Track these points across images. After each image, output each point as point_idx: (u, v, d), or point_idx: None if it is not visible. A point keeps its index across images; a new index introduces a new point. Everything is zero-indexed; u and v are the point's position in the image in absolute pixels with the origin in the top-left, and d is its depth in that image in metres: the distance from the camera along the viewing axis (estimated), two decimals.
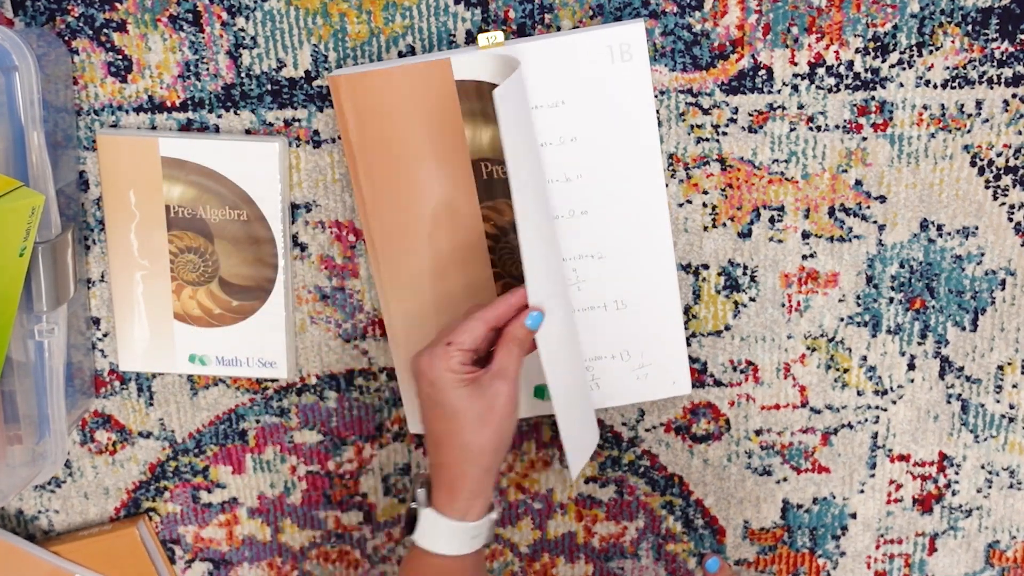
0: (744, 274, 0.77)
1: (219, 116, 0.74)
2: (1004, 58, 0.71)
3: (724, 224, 0.76)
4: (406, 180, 0.73)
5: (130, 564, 0.85)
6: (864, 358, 0.79)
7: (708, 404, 0.81)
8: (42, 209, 0.67)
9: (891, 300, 0.77)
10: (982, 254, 0.76)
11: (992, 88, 0.72)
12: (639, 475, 0.83)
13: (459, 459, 0.67)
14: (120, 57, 0.73)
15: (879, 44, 0.71)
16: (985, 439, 0.81)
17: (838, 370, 0.79)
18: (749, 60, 0.72)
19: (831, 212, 0.75)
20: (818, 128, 0.73)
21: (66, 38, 0.73)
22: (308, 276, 0.78)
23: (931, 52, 0.71)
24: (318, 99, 0.74)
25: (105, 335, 0.80)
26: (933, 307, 0.78)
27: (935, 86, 0.72)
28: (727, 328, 0.78)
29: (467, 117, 0.71)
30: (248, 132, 0.75)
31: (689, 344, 0.79)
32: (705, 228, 0.76)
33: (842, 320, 0.78)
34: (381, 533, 0.87)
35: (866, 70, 0.72)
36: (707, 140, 0.74)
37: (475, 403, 0.66)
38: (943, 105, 0.72)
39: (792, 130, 0.73)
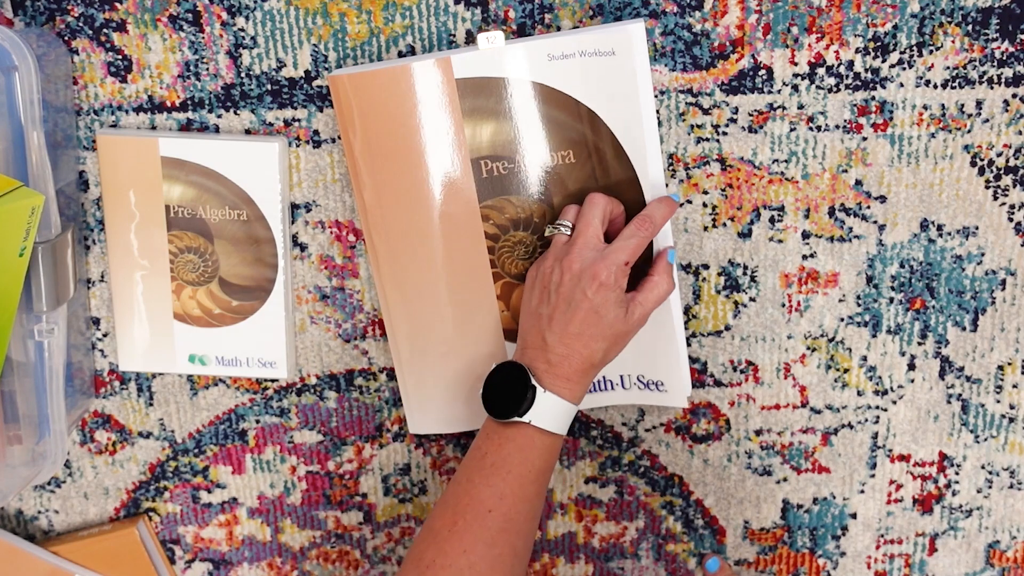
0: (744, 274, 0.77)
1: (219, 116, 0.74)
2: (1004, 58, 0.71)
3: (724, 224, 0.76)
4: (406, 180, 0.72)
5: (130, 564, 0.85)
6: (864, 358, 0.79)
7: (708, 404, 0.81)
8: (42, 209, 0.67)
9: (891, 300, 0.77)
10: (982, 254, 0.76)
11: (992, 88, 0.72)
12: (639, 475, 0.83)
13: (591, 354, 0.68)
14: (120, 57, 0.73)
15: (879, 44, 0.71)
16: (985, 439, 0.81)
17: (838, 370, 0.79)
18: (749, 60, 0.72)
19: (831, 212, 0.75)
20: (818, 128, 0.73)
21: (66, 38, 0.73)
22: (308, 276, 0.78)
23: (931, 52, 0.71)
24: (318, 99, 0.74)
25: (105, 335, 0.80)
26: (933, 307, 0.78)
27: (935, 86, 0.72)
28: (727, 328, 0.78)
29: (467, 116, 0.71)
30: (248, 132, 0.75)
31: (689, 344, 0.79)
32: (705, 228, 0.76)
33: (842, 320, 0.78)
34: (381, 533, 0.86)
35: (866, 70, 0.72)
36: (707, 140, 0.74)
37: (624, 324, 0.69)
38: (943, 105, 0.72)
39: (792, 130, 0.73)
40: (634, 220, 0.70)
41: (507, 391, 0.68)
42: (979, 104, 0.72)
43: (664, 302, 0.73)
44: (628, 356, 0.76)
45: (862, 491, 0.83)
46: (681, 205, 0.75)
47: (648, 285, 0.71)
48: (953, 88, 0.72)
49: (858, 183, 0.74)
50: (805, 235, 0.76)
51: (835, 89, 0.72)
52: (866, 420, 0.81)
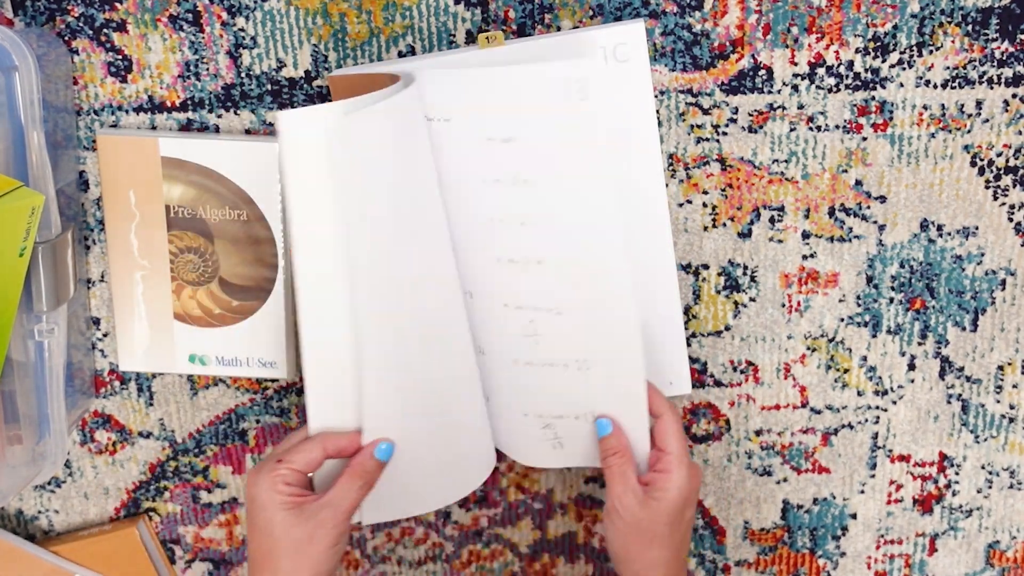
0: (744, 274, 0.77)
1: (219, 116, 0.74)
2: (1004, 58, 0.71)
3: (724, 224, 0.76)
4: None
5: (130, 564, 0.85)
6: (864, 358, 0.79)
7: (708, 404, 0.81)
8: (42, 209, 0.67)
9: (891, 300, 0.77)
10: (982, 254, 0.76)
11: (992, 88, 0.72)
12: None
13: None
14: (120, 57, 0.73)
15: (879, 44, 0.71)
16: (985, 439, 0.81)
17: (838, 370, 0.79)
18: (749, 60, 0.72)
19: (831, 212, 0.75)
20: (818, 128, 0.73)
21: (66, 38, 0.73)
22: None
23: (931, 52, 0.71)
24: (318, 99, 0.74)
25: (105, 335, 0.80)
26: (933, 307, 0.78)
27: (935, 86, 0.72)
28: (727, 328, 0.79)
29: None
30: (248, 132, 0.75)
31: (689, 344, 0.79)
32: (705, 228, 0.76)
33: (842, 320, 0.78)
34: (381, 533, 0.86)
35: (866, 70, 0.72)
36: (707, 140, 0.74)
37: (294, 530, 0.62)
38: (943, 105, 0.72)
39: (792, 130, 0.73)
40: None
41: None
42: (979, 104, 0.72)
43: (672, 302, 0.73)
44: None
45: (862, 491, 0.83)
46: (681, 205, 0.75)
47: (335, 484, 0.65)
48: (953, 88, 0.72)
49: (858, 183, 0.74)
50: (805, 235, 0.76)
51: (835, 89, 0.72)
52: (866, 420, 0.81)
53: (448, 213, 0.69)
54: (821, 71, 0.72)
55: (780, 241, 0.76)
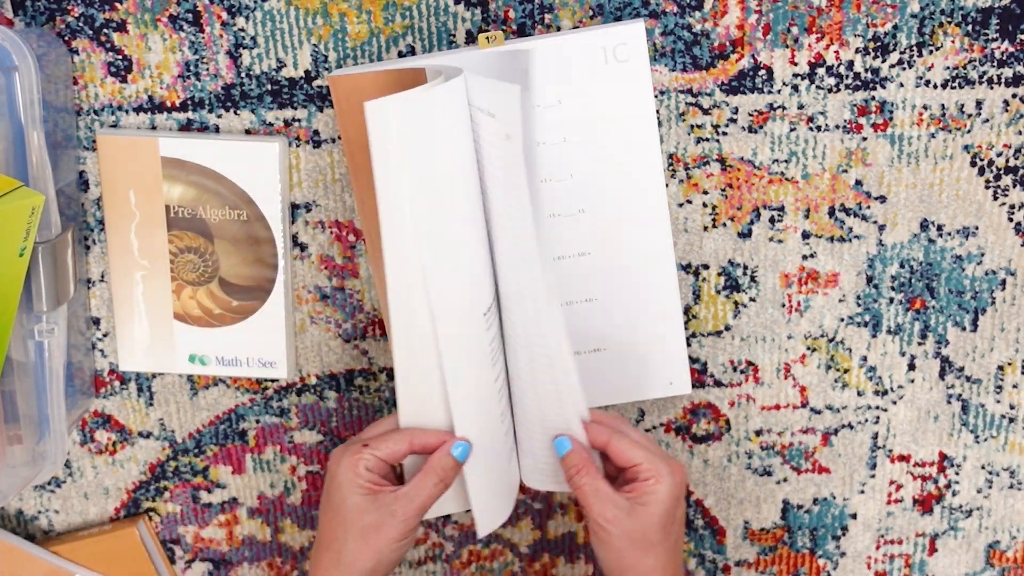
0: (744, 274, 0.77)
1: (219, 116, 0.74)
2: (1004, 58, 0.71)
3: (724, 224, 0.76)
4: None
5: (130, 564, 0.85)
6: (864, 358, 0.79)
7: (708, 404, 0.81)
8: (42, 209, 0.67)
9: (891, 300, 0.77)
10: (982, 254, 0.76)
11: (992, 88, 0.72)
12: None
13: (330, 570, 0.63)
14: (120, 57, 0.73)
15: (879, 44, 0.71)
16: (985, 439, 0.81)
17: (838, 370, 0.79)
18: (749, 60, 0.72)
19: (831, 212, 0.75)
20: (818, 128, 0.73)
21: (66, 38, 0.73)
22: (308, 276, 0.78)
23: (931, 52, 0.71)
24: (318, 99, 0.74)
25: (105, 335, 0.80)
26: (933, 307, 0.78)
27: (935, 86, 0.72)
28: (727, 328, 0.78)
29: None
30: (248, 132, 0.75)
31: (689, 344, 0.79)
32: (705, 228, 0.76)
33: (842, 320, 0.78)
34: None
35: (866, 70, 0.72)
36: (707, 140, 0.74)
37: (365, 516, 0.63)
38: (943, 105, 0.72)
39: (792, 130, 0.73)
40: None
41: None
42: (979, 104, 0.72)
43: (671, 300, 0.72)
44: (629, 348, 0.76)
45: (862, 491, 0.83)
46: (681, 205, 0.75)
47: (413, 479, 0.65)
48: (953, 88, 0.72)
49: (858, 183, 0.74)
50: (805, 235, 0.76)
51: (835, 89, 0.72)
52: (866, 420, 0.81)
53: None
54: (821, 71, 0.72)
55: (780, 241, 0.76)
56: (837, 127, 0.73)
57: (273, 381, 0.81)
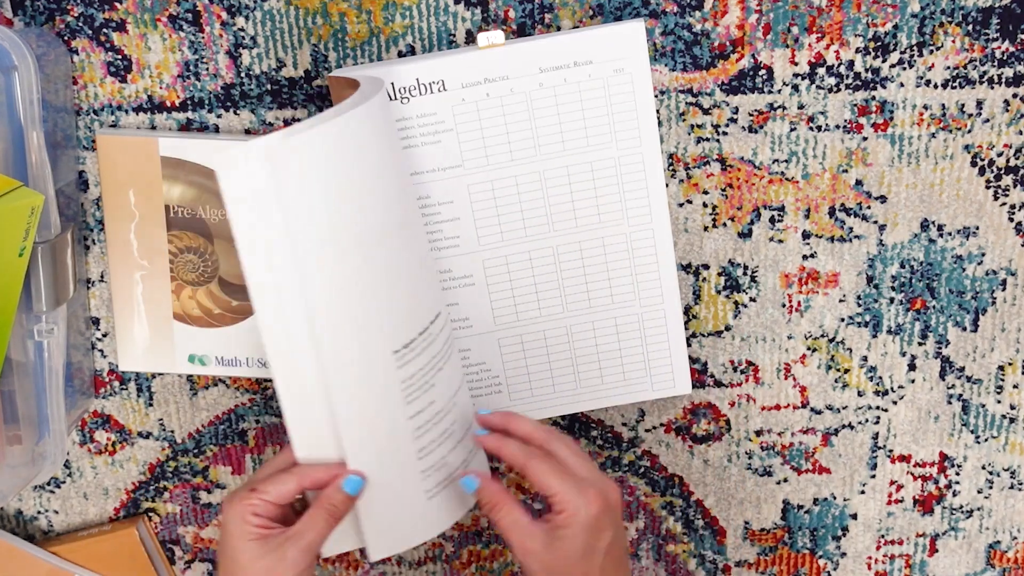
0: (744, 274, 0.77)
1: (219, 116, 0.74)
2: (1005, 58, 0.71)
3: (724, 224, 0.76)
4: None
5: (129, 564, 0.85)
6: (865, 358, 0.79)
7: (708, 404, 0.81)
8: (42, 209, 0.67)
9: (891, 300, 0.77)
10: (983, 254, 0.76)
11: (993, 88, 0.72)
12: (639, 475, 0.83)
13: None
14: (120, 57, 0.73)
15: (879, 44, 0.71)
16: (986, 439, 0.81)
17: (838, 370, 0.79)
18: (749, 60, 0.72)
19: (831, 212, 0.75)
20: (818, 128, 0.73)
21: (66, 38, 0.73)
22: None
23: (931, 52, 0.71)
24: (318, 99, 0.74)
25: (105, 335, 0.80)
26: (934, 307, 0.77)
27: (935, 86, 0.72)
28: (727, 328, 0.78)
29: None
30: (248, 132, 0.75)
31: (689, 344, 0.79)
32: (705, 228, 0.76)
33: (842, 320, 0.78)
34: None
35: (866, 70, 0.72)
36: (707, 140, 0.74)
37: (258, 563, 0.61)
38: (943, 105, 0.72)
39: (792, 130, 0.73)
40: None
41: None
42: (979, 104, 0.72)
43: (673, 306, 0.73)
44: (629, 349, 0.76)
45: (862, 492, 0.83)
46: (681, 205, 0.75)
47: (302, 518, 0.63)
48: (953, 88, 0.72)
49: (858, 183, 0.74)
50: (805, 235, 0.76)
51: (835, 89, 0.72)
52: (866, 420, 0.81)
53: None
54: (821, 71, 0.72)
55: (780, 241, 0.76)
56: (837, 127, 0.73)
57: (272, 381, 0.81)
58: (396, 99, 0.70)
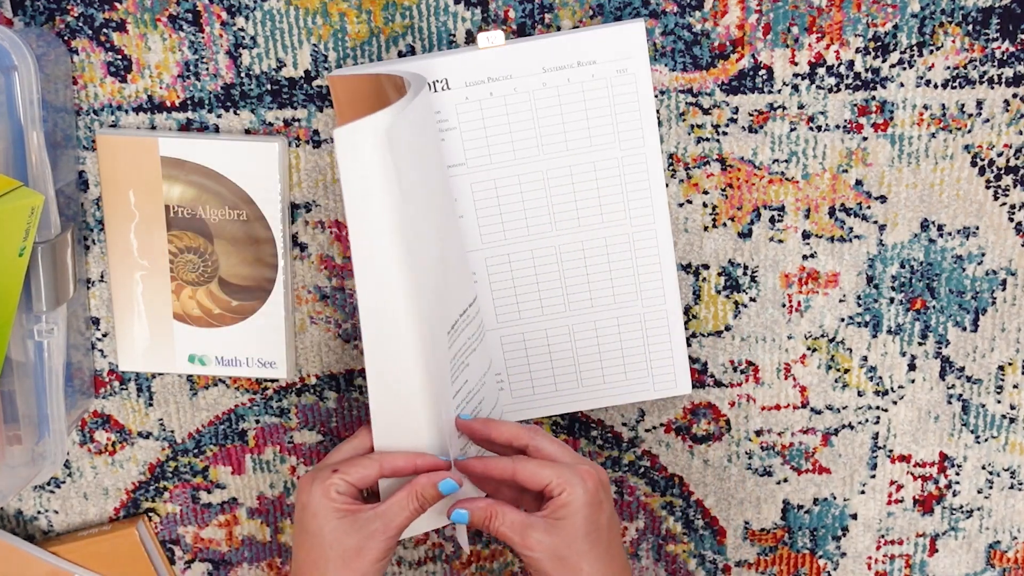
0: (744, 274, 0.77)
1: (219, 116, 0.74)
2: (1005, 58, 0.71)
3: (724, 224, 0.76)
4: None
5: (129, 564, 0.85)
6: (865, 358, 0.79)
7: (708, 404, 0.81)
8: (41, 209, 0.67)
9: (891, 300, 0.77)
10: (983, 254, 0.76)
11: (993, 88, 0.72)
12: (639, 475, 0.83)
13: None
14: (120, 57, 0.73)
15: (879, 44, 0.71)
16: (986, 439, 0.81)
17: (838, 370, 0.79)
18: (749, 60, 0.72)
19: (831, 212, 0.75)
20: (818, 128, 0.73)
21: (66, 38, 0.73)
22: (308, 276, 0.78)
23: (931, 52, 0.71)
24: (318, 99, 0.74)
25: (105, 335, 0.80)
26: (934, 307, 0.77)
27: (936, 86, 0.72)
28: (727, 328, 0.78)
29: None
30: (248, 132, 0.75)
31: (689, 344, 0.79)
32: (705, 228, 0.76)
33: (842, 320, 0.78)
34: None
35: (866, 70, 0.72)
36: (707, 140, 0.74)
37: (346, 539, 0.62)
38: (944, 105, 0.72)
39: (792, 130, 0.73)
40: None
41: None
42: (979, 104, 0.72)
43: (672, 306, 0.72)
44: (629, 349, 0.76)
45: (862, 492, 0.83)
46: (681, 205, 0.75)
47: (393, 496, 0.65)
48: (953, 88, 0.72)
49: (858, 183, 0.74)
50: (805, 235, 0.76)
51: (835, 89, 0.72)
52: (866, 420, 0.81)
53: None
54: (821, 71, 0.72)
55: (780, 241, 0.76)
56: (837, 127, 0.73)
57: (273, 381, 0.81)
58: None
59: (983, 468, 0.82)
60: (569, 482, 0.63)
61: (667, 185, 0.75)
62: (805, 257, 0.76)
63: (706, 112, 0.73)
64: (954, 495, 0.83)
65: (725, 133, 0.73)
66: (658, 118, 0.73)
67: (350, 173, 0.59)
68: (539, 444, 0.67)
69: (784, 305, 0.78)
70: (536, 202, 0.74)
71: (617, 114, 0.72)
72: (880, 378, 0.79)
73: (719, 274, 0.77)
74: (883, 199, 0.75)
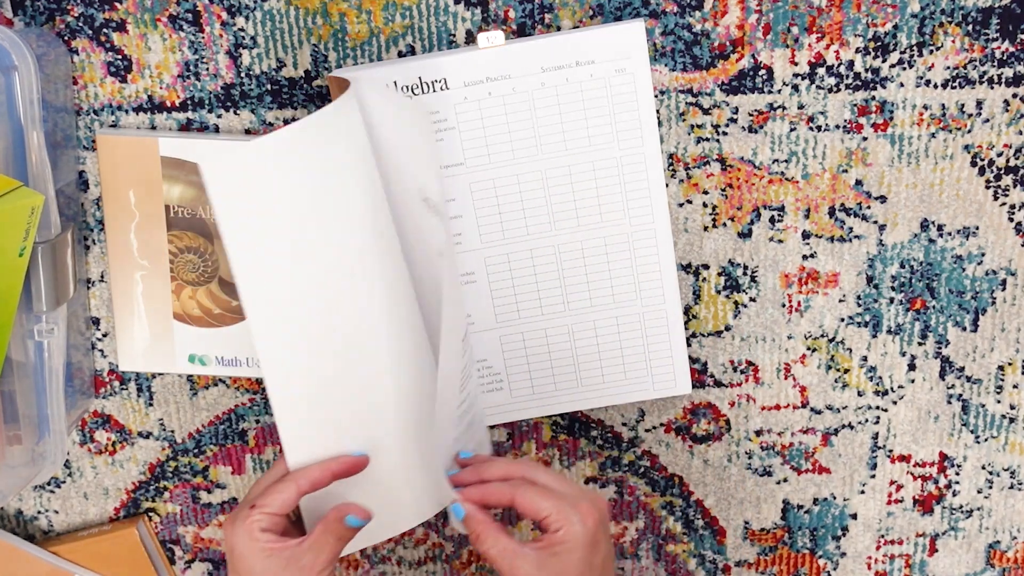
0: (744, 274, 0.77)
1: (219, 116, 0.74)
2: (1004, 58, 0.71)
3: (724, 224, 0.76)
4: None
5: (130, 564, 0.85)
6: (864, 358, 0.79)
7: (708, 404, 0.81)
8: (42, 209, 0.67)
9: (891, 300, 0.77)
10: (982, 254, 0.76)
11: (992, 88, 0.72)
12: (639, 475, 0.83)
13: None
14: (120, 57, 0.73)
15: (879, 44, 0.71)
16: (986, 439, 0.81)
17: (838, 370, 0.79)
18: (749, 60, 0.72)
19: (831, 212, 0.75)
20: (818, 128, 0.73)
21: (66, 38, 0.73)
22: None
23: (931, 52, 0.71)
24: (318, 99, 0.74)
25: (105, 335, 0.80)
26: (933, 307, 0.77)
27: (935, 86, 0.72)
28: (727, 328, 0.78)
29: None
30: (248, 132, 0.75)
31: (689, 344, 0.79)
32: (705, 228, 0.76)
33: (842, 320, 0.78)
34: None
35: (866, 70, 0.72)
36: (707, 140, 0.74)
37: (279, 575, 0.61)
38: (943, 105, 0.72)
39: (792, 130, 0.73)
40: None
41: None
42: (979, 104, 0.72)
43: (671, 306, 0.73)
44: (630, 349, 0.76)
45: (862, 491, 0.83)
46: (681, 205, 0.75)
47: (315, 530, 0.64)
48: (953, 88, 0.72)
49: (858, 183, 0.74)
50: (805, 235, 0.76)
51: (835, 89, 0.72)
52: (866, 420, 0.81)
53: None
54: (821, 71, 0.72)
55: (780, 241, 0.76)
56: (837, 127, 0.73)
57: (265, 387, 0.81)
58: None
59: (983, 468, 0.82)
60: (568, 519, 0.61)
61: (667, 185, 0.75)
62: (805, 257, 0.76)
63: (706, 112, 0.73)
64: (954, 495, 0.83)
65: (725, 133, 0.74)
66: (658, 118, 0.73)
67: (218, 200, 0.59)
68: (536, 476, 0.65)
69: (784, 305, 0.78)
70: (535, 202, 0.74)
71: (616, 114, 0.72)
72: (880, 378, 0.80)
73: (719, 274, 0.77)
74: (883, 199, 0.75)
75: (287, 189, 0.61)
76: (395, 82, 0.70)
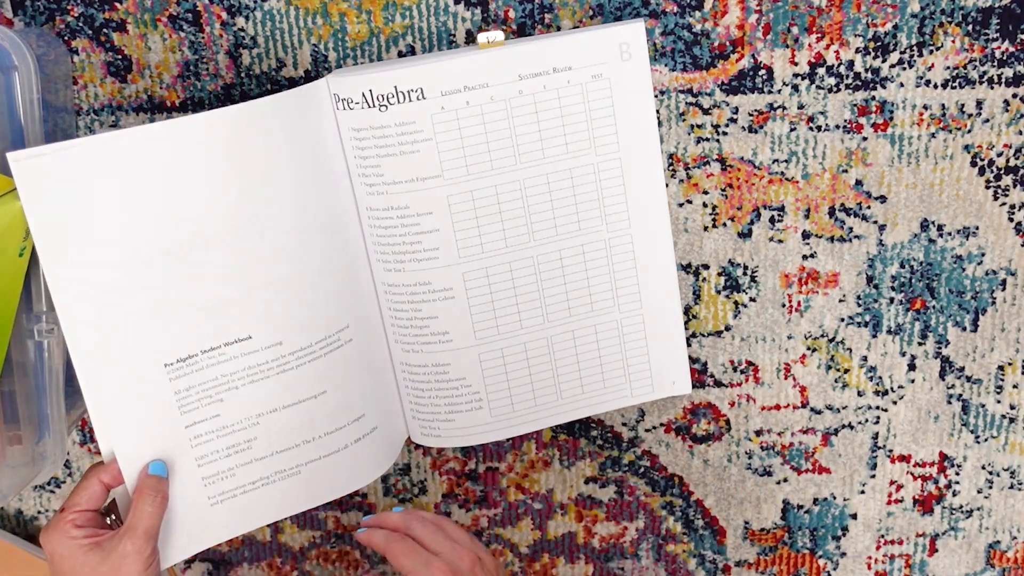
0: (744, 274, 0.77)
1: None
2: (1004, 58, 0.71)
3: (724, 224, 0.76)
4: None
5: None
6: (864, 358, 0.79)
7: (708, 404, 0.81)
8: None
9: (891, 300, 0.77)
10: (983, 254, 0.76)
11: (992, 88, 0.72)
12: (639, 475, 0.83)
13: None
14: (120, 57, 0.73)
15: (879, 44, 0.71)
16: (986, 439, 0.81)
17: (838, 370, 0.79)
18: (749, 60, 0.72)
19: (831, 212, 0.75)
20: (818, 128, 0.73)
21: (66, 38, 0.73)
22: None
23: (931, 52, 0.71)
24: None
25: None
26: (933, 307, 0.77)
27: (935, 86, 0.72)
28: (727, 328, 0.78)
29: None
30: None
31: (689, 344, 0.79)
32: (705, 228, 0.76)
33: (842, 320, 0.78)
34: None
35: (866, 70, 0.72)
36: (707, 140, 0.74)
37: (101, 567, 0.61)
38: (943, 105, 0.72)
39: (792, 130, 0.73)
40: None
41: None
42: (979, 104, 0.72)
43: (671, 298, 0.73)
44: (629, 349, 0.76)
45: (862, 491, 0.83)
46: (681, 205, 0.75)
47: (129, 511, 0.65)
48: (953, 88, 0.72)
49: (858, 183, 0.74)
50: (805, 235, 0.76)
51: (835, 89, 0.72)
52: (866, 420, 0.81)
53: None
54: (821, 71, 0.72)
55: (780, 241, 0.76)
56: (837, 127, 0.73)
57: None
58: (374, 107, 0.69)
59: (983, 468, 0.82)
60: None
61: (667, 185, 0.75)
62: (805, 257, 0.76)
63: (706, 112, 0.73)
64: (954, 495, 0.83)
65: (725, 133, 0.74)
66: (658, 118, 0.73)
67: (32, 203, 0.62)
68: (412, 529, 0.68)
69: (784, 305, 0.78)
70: (514, 213, 0.72)
71: (593, 120, 0.71)
72: (880, 378, 0.80)
73: (719, 274, 0.77)
74: (883, 199, 0.75)
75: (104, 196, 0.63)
76: (370, 91, 0.68)
